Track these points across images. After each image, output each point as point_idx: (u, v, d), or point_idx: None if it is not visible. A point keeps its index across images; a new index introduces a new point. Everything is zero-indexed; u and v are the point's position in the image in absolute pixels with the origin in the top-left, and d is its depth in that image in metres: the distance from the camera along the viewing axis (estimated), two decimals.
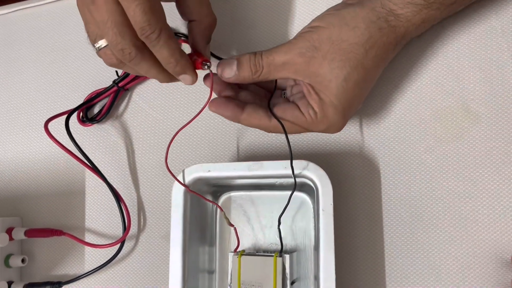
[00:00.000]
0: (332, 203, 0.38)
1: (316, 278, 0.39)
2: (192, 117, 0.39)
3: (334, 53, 0.35)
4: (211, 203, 0.45)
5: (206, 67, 0.38)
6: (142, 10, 0.32)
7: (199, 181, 0.42)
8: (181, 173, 0.41)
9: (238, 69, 0.37)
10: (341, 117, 0.37)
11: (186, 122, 0.39)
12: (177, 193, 0.41)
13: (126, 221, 0.47)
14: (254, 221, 0.44)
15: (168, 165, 0.40)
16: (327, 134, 0.42)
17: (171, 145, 0.44)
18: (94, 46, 0.35)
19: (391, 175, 0.42)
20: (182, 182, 0.41)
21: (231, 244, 0.44)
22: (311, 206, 0.43)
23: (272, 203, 0.44)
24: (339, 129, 0.38)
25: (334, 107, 0.36)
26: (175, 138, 0.40)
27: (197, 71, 0.38)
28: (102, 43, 0.35)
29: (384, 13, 0.35)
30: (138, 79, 0.48)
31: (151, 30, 0.33)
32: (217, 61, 0.40)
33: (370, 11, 0.36)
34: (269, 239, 0.44)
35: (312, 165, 0.39)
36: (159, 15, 0.33)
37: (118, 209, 0.47)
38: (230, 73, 0.38)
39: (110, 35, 0.33)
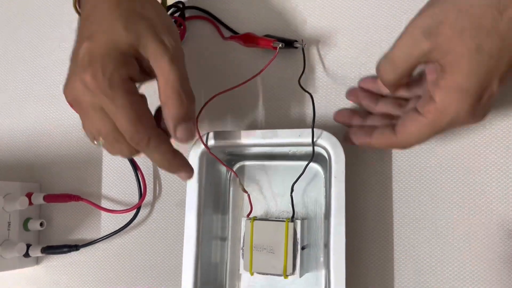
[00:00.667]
0: (344, 171, 0.39)
1: (326, 246, 0.41)
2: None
3: (463, 22, 0.31)
4: (225, 171, 0.46)
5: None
6: (129, 121, 0.33)
7: (214, 148, 0.43)
8: (205, 136, 0.43)
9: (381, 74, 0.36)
10: (471, 101, 0.32)
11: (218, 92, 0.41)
12: (193, 159, 0.43)
13: (142, 188, 0.48)
14: (267, 190, 0.45)
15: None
16: (334, 104, 0.43)
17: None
18: (94, 143, 0.36)
19: (402, 152, 0.43)
20: (205, 144, 0.42)
21: (244, 212, 0.46)
22: (323, 176, 0.44)
23: (285, 173, 0.45)
24: (470, 115, 0.32)
25: (460, 90, 0.32)
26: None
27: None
28: (102, 141, 0.35)
29: None
30: None
31: (139, 139, 0.34)
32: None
33: None
34: (281, 207, 0.45)
35: (325, 133, 0.40)
36: (147, 122, 0.34)
37: (134, 177, 0.49)
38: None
39: (106, 140, 0.35)
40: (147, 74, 0.37)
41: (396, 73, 0.35)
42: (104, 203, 0.50)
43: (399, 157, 0.43)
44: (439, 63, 0.32)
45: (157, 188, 0.49)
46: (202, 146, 0.42)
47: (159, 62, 0.35)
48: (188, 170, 0.38)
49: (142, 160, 0.49)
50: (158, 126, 0.36)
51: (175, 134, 0.35)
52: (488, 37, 0.30)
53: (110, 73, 0.33)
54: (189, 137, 0.36)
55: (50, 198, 0.50)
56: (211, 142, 0.42)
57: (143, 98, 0.35)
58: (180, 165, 0.37)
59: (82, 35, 0.36)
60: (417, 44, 0.32)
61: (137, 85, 0.36)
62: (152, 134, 0.34)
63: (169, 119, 0.35)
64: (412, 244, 0.42)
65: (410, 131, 0.35)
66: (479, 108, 0.32)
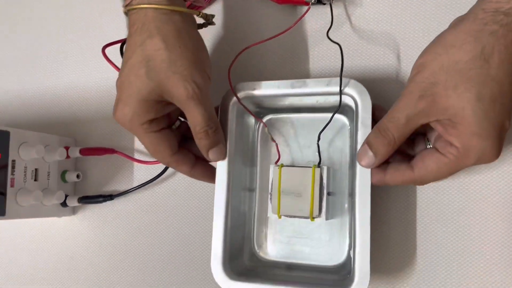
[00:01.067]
0: (371, 117, 0.40)
1: (351, 195, 0.42)
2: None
3: (454, 79, 0.33)
4: (253, 124, 0.48)
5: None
6: (149, 152, 0.43)
7: (245, 99, 0.45)
8: (236, 86, 0.44)
9: (374, 152, 0.38)
10: (491, 142, 0.33)
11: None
12: (224, 109, 0.45)
13: None
14: (293, 141, 0.47)
15: (214, 83, 0.44)
16: (360, 57, 0.44)
17: (220, 63, 0.47)
18: None
19: None
20: (236, 95, 0.44)
21: (271, 162, 0.47)
22: (349, 128, 0.45)
23: (311, 125, 0.47)
24: (494, 155, 0.34)
25: (477, 135, 0.33)
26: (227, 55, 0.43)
27: None
28: None
29: (490, 16, 0.32)
30: (197, 8, 0.51)
31: (160, 163, 0.46)
32: None
33: (472, 22, 0.33)
34: (307, 157, 0.47)
35: (353, 81, 0.41)
36: (164, 152, 0.42)
37: None
38: (370, 160, 0.38)
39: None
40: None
41: (399, 131, 0.36)
42: (137, 156, 0.53)
43: None
44: (444, 119, 0.34)
45: None
46: (233, 97, 0.44)
47: (185, 106, 0.39)
48: (207, 180, 0.45)
49: None
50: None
51: (208, 158, 0.42)
52: (485, 85, 0.32)
53: (130, 118, 0.39)
54: (219, 158, 0.43)
55: (86, 151, 0.53)
56: (241, 93, 0.44)
57: (162, 134, 0.41)
58: (200, 177, 0.44)
59: (120, 74, 0.40)
60: (416, 105, 0.34)
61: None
62: (169, 161, 0.42)
63: (201, 149, 0.42)
64: (435, 192, 0.43)
65: (430, 168, 0.36)
66: (498, 143, 0.33)
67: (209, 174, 0.44)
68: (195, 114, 0.39)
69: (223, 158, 0.43)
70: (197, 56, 0.40)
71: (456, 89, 0.33)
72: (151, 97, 0.39)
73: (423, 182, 0.37)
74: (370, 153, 0.38)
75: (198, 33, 0.42)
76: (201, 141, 0.41)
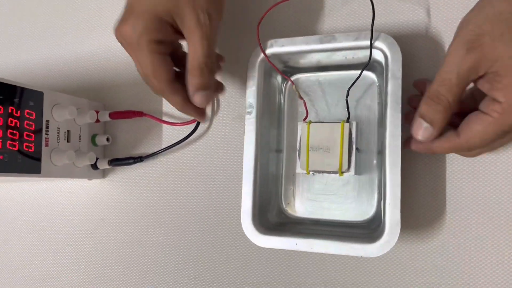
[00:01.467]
0: (401, 70, 0.40)
1: (381, 152, 0.42)
2: None
3: (500, 28, 0.32)
4: (280, 83, 0.48)
5: None
6: (144, 75, 0.41)
7: (271, 57, 0.45)
8: (264, 44, 0.44)
9: (430, 122, 0.36)
10: None
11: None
12: (252, 67, 0.45)
13: None
14: (321, 100, 0.47)
15: (242, 41, 0.44)
16: (390, 13, 0.44)
17: (249, 20, 0.48)
18: None
19: None
20: (263, 52, 0.44)
21: (299, 120, 0.48)
22: (377, 85, 0.45)
23: (339, 83, 0.47)
24: None
25: None
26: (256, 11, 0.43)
27: None
28: None
29: None
30: None
31: (152, 89, 0.42)
32: None
33: None
34: (335, 116, 0.47)
35: (383, 34, 0.41)
36: (161, 78, 0.40)
37: None
38: (427, 132, 0.36)
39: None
40: (182, 36, 0.40)
41: (452, 93, 0.35)
42: (166, 119, 0.54)
43: None
44: (491, 72, 0.33)
45: (215, 103, 0.52)
46: (261, 55, 0.45)
47: (191, 35, 0.39)
48: (199, 117, 0.44)
49: None
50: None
51: (193, 99, 0.41)
52: None
53: (140, 32, 0.38)
54: (204, 103, 0.41)
55: (115, 114, 0.54)
56: (269, 50, 0.45)
57: (165, 58, 0.40)
58: (191, 112, 0.43)
59: None
60: (464, 60, 0.34)
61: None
62: (165, 87, 0.41)
63: (189, 86, 0.40)
64: None
65: (475, 130, 0.35)
66: None
67: (201, 111, 0.44)
68: (198, 45, 0.39)
69: (207, 104, 0.42)
70: None
71: (502, 37, 0.32)
72: (165, 17, 0.39)
73: (470, 147, 0.36)
74: (425, 124, 0.36)
75: None
76: (193, 78, 0.40)
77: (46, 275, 0.57)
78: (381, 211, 0.41)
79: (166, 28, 0.39)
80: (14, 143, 0.44)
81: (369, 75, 0.45)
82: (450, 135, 0.37)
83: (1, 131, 0.43)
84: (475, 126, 0.35)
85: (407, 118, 0.41)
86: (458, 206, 0.43)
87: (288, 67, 0.47)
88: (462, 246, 0.43)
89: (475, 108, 0.36)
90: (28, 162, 0.46)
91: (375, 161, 0.45)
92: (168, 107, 0.54)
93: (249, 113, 0.44)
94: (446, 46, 0.44)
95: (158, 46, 0.40)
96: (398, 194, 0.39)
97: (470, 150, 0.37)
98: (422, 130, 0.36)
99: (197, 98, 0.41)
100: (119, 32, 0.40)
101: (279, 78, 0.48)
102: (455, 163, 0.43)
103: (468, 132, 0.35)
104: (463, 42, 0.34)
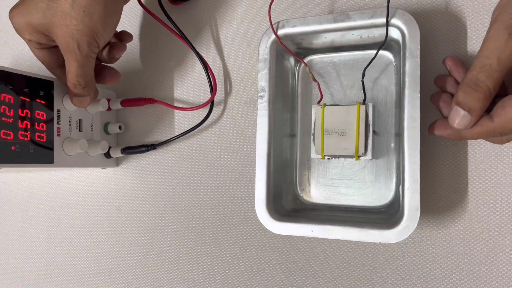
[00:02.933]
0: (419, 47, 0.38)
1: (399, 134, 0.41)
2: None
3: None
4: (293, 66, 0.47)
5: None
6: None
7: (283, 39, 0.43)
8: (276, 25, 0.43)
9: (468, 109, 0.34)
10: None
11: None
12: (264, 50, 0.44)
13: (212, 84, 0.50)
14: (335, 82, 0.46)
15: (253, 22, 0.43)
16: None
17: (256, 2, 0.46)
18: None
19: (479, 31, 0.41)
20: (275, 33, 0.43)
21: (313, 103, 0.46)
22: (394, 64, 0.43)
23: (354, 64, 0.45)
24: None
25: None
26: None
27: None
28: None
29: None
30: None
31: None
32: None
33: None
34: (350, 98, 0.45)
35: (400, 11, 0.39)
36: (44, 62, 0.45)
37: (206, 78, 0.50)
38: (464, 120, 0.35)
39: None
40: None
41: (493, 79, 0.33)
42: (177, 105, 0.53)
43: (474, 37, 0.42)
44: None
45: (228, 87, 0.51)
46: (273, 36, 0.43)
47: (63, 54, 0.42)
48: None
49: (212, 59, 0.51)
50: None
51: (72, 101, 0.46)
52: None
53: (19, 27, 0.42)
54: (81, 106, 0.46)
55: (127, 102, 0.53)
56: (281, 30, 0.43)
57: (44, 51, 0.44)
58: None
59: None
60: (507, 45, 0.32)
61: None
62: (51, 71, 0.47)
63: (68, 91, 0.45)
64: None
65: (510, 114, 0.33)
66: None
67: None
68: (69, 66, 0.42)
69: (84, 107, 0.47)
70: (96, 28, 0.41)
71: None
72: (40, 28, 0.41)
73: (504, 131, 0.35)
74: (463, 112, 0.34)
75: (119, 9, 0.43)
76: (69, 89, 0.45)
77: (64, 263, 0.58)
78: (399, 195, 0.40)
79: (41, 36, 0.42)
80: (26, 133, 0.44)
81: (385, 54, 0.44)
82: (483, 120, 0.35)
83: (12, 121, 0.43)
84: (511, 111, 0.33)
85: (434, 99, 0.39)
86: (481, 189, 0.41)
87: (301, 49, 0.46)
88: (485, 231, 0.41)
89: (504, 93, 0.35)
90: (40, 152, 0.45)
91: (393, 144, 0.43)
92: (179, 93, 0.53)
93: (261, 97, 0.43)
94: (468, 23, 0.42)
95: (36, 43, 0.43)
96: (418, 178, 0.37)
97: (503, 135, 0.35)
98: (459, 118, 0.35)
99: (75, 102, 0.46)
100: (10, 15, 0.43)
101: (291, 60, 0.47)
102: (477, 144, 0.41)
103: (503, 116, 0.34)
104: (504, 26, 0.32)
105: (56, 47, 0.44)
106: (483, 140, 0.41)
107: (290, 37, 0.43)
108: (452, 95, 0.39)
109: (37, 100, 0.45)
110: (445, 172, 0.42)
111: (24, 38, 0.43)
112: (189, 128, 0.51)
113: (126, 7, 0.45)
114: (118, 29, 0.48)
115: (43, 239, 0.59)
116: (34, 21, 0.41)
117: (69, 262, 0.58)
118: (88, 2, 0.40)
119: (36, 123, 0.45)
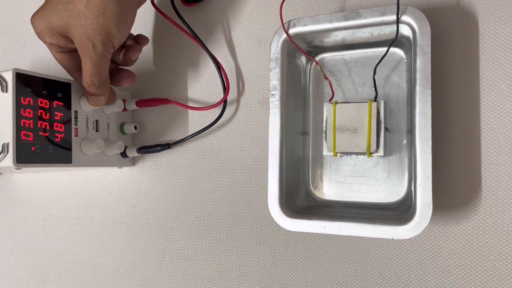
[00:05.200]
0: (430, 44, 0.38)
1: (410, 131, 0.41)
2: None
3: None
4: (305, 64, 0.47)
5: None
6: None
7: (295, 38, 0.44)
8: (287, 24, 0.44)
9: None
10: None
11: None
12: (275, 49, 0.44)
13: (225, 84, 0.51)
14: (347, 79, 0.46)
15: (264, 22, 0.43)
16: None
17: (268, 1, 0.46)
18: None
19: (491, 27, 0.41)
20: (286, 32, 0.43)
21: (325, 101, 0.47)
22: (405, 61, 0.44)
23: (365, 61, 0.45)
24: None
25: None
26: None
27: None
28: None
29: None
30: None
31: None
32: None
33: None
34: (362, 95, 0.45)
35: (410, 8, 0.39)
36: (64, 65, 0.47)
37: (219, 78, 0.51)
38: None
39: None
40: None
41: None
42: (191, 105, 0.54)
43: (486, 33, 0.41)
44: None
45: (240, 86, 0.51)
46: (284, 35, 0.44)
47: (80, 54, 0.43)
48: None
49: (224, 59, 0.52)
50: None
51: (87, 100, 0.47)
52: None
53: (40, 32, 0.44)
54: (96, 105, 0.48)
55: (142, 103, 0.54)
56: (292, 29, 0.43)
57: (64, 55, 0.46)
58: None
59: None
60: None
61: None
62: (69, 74, 0.48)
63: (84, 92, 0.47)
64: (499, 121, 0.41)
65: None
66: None
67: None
68: (84, 65, 0.44)
69: (100, 106, 0.48)
70: (110, 27, 0.42)
71: None
72: (58, 30, 0.43)
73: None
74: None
75: (133, 10, 0.44)
76: (84, 88, 0.46)
77: (82, 260, 0.59)
78: (412, 192, 0.40)
79: (60, 39, 0.44)
80: (45, 134, 0.45)
81: (396, 51, 0.44)
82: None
83: (32, 123, 0.44)
84: None
85: None
86: (495, 184, 0.41)
87: (312, 47, 0.46)
88: (499, 227, 0.41)
89: None
90: (59, 152, 0.47)
91: (404, 141, 0.43)
92: (192, 93, 0.54)
93: (273, 95, 0.44)
94: (480, 18, 0.42)
95: (56, 47, 0.45)
96: (430, 174, 0.37)
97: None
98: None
99: (90, 101, 0.47)
100: (32, 20, 0.44)
101: (303, 58, 0.47)
102: (490, 138, 0.41)
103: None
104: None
105: (75, 50, 0.45)
106: (496, 133, 0.41)
107: (301, 36, 0.44)
108: None
109: (55, 101, 0.46)
110: (458, 167, 0.42)
111: (45, 42, 0.45)
112: (203, 127, 0.52)
113: (140, 10, 0.46)
114: (133, 32, 0.49)
115: (63, 236, 0.61)
116: (53, 23, 0.42)
117: (87, 259, 0.59)
118: (102, 2, 0.41)
119: (54, 124, 0.46)
